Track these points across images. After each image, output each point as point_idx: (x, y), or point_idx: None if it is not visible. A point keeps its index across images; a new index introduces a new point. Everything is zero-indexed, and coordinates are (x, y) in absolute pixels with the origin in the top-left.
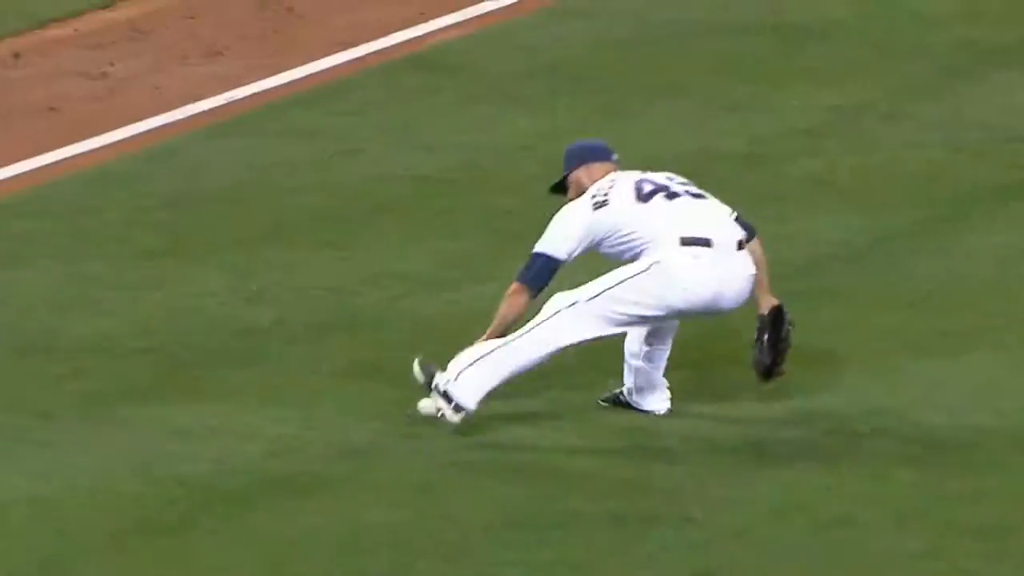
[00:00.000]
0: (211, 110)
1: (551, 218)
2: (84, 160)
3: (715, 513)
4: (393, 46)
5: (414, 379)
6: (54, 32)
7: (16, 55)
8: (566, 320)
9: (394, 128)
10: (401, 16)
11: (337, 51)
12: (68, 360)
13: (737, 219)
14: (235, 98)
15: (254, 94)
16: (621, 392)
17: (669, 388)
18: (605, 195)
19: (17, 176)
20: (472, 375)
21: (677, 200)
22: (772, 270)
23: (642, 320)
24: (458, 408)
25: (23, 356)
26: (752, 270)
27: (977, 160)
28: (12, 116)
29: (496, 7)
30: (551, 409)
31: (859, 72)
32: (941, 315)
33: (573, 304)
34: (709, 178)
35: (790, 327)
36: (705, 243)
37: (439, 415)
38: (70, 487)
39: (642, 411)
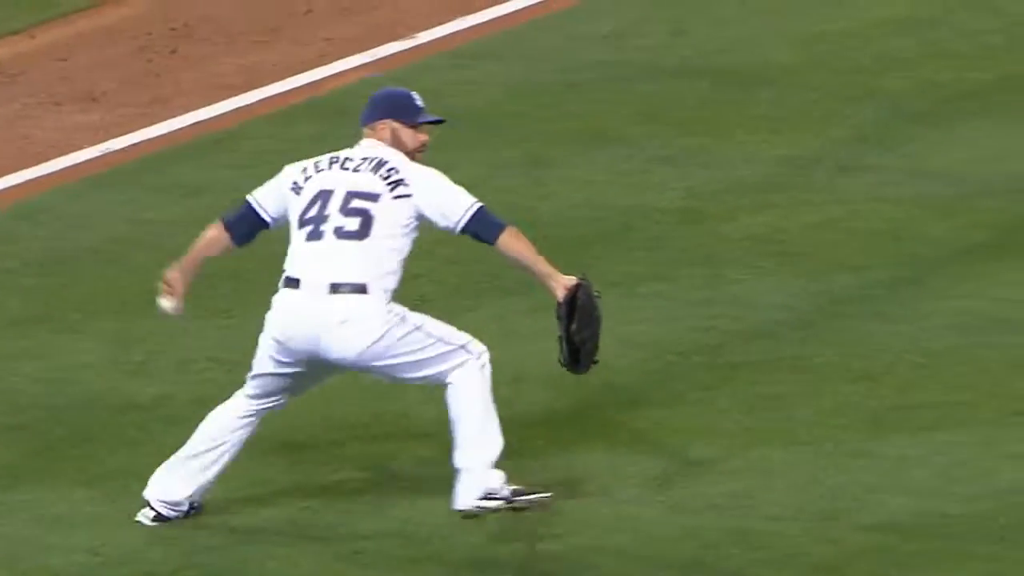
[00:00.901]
0: (85, 162)
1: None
2: None
3: None
4: (287, 91)
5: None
6: None
7: None
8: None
9: None
10: (297, 58)
11: (225, 97)
12: None
13: (479, 214)
14: (112, 149)
15: (133, 144)
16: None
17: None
18: (307, 179)
19: None
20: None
21: (311, 243)
22: (710, 339)
23: (274, 365)
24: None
25: None
26: (342, 317)
27: (942, 216)
28: None
29: (401, 49)
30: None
31: (810, 120)
32: (902, 388)
33: None
34: (641, 236)
35: (596, 297)
36: (294, 283)
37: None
38: None
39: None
